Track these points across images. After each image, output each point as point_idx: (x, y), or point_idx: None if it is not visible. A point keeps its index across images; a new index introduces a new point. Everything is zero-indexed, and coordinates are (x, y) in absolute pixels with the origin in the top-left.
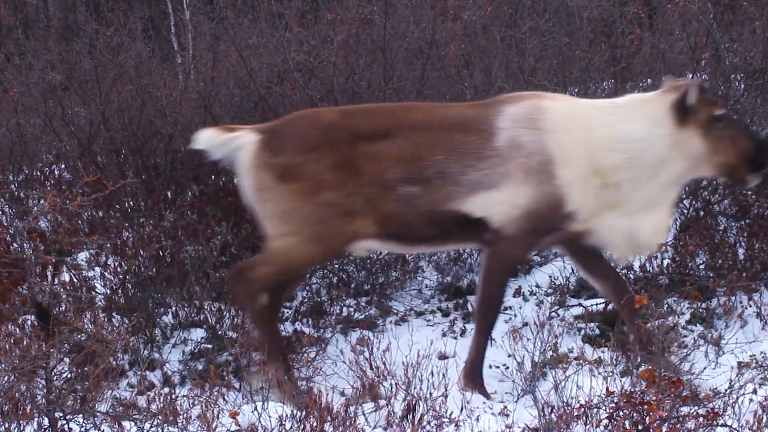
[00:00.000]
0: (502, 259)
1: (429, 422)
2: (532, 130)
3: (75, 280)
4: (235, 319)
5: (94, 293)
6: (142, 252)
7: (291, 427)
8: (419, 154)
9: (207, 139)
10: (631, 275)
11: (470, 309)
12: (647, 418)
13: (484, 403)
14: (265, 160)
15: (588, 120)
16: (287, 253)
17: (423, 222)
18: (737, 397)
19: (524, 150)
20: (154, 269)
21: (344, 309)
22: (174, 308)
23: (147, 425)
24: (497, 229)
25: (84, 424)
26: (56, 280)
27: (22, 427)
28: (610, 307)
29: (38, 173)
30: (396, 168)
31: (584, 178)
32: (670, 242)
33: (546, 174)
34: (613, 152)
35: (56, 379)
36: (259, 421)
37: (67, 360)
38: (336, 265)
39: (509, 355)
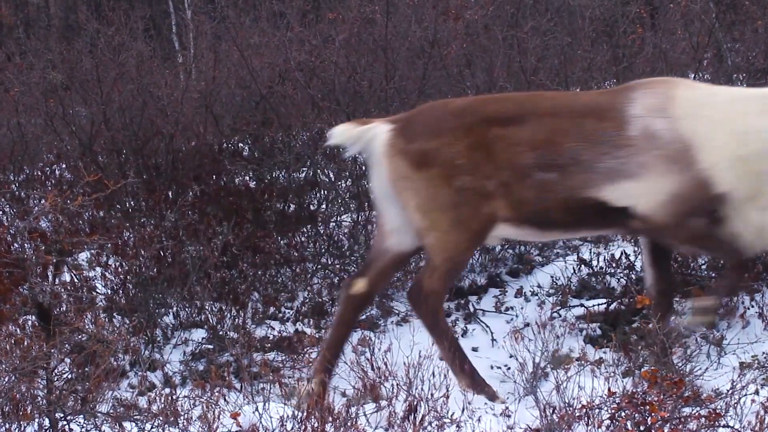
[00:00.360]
0: (687, 243)
1: (430, 423)
2: (664, 118)
3: (76, 280)
4: (236, 320)
5: (94, 293)
6: (143, 252)
7: (292, 428)
8: (552, 139)
9: (341, 134)
10: (633, 275)
11: (471, 309)
12: (649, 418)
13: (485, 403)
14: (400, 148)
15: (725, 106)
16: (440, 248)
17: (559, 208)
18: (739, 398)
19: (659, 140)
20: (155, 269)
21: None
22: (175, 308)
23: (148, 426)
24: (647, 217)
25: (85, 425)
26: (57, 281)
27: (22, 428)
28: (612, 307)
29: (39, 173)
30: (530, 153)
31: (729, 160)
32: None
33: (686, 161)
34: (752, 142)
35: (57, 380)
36: (260, 422)
37: (67, 360)
38: (337, 266)
39: (511, 356)
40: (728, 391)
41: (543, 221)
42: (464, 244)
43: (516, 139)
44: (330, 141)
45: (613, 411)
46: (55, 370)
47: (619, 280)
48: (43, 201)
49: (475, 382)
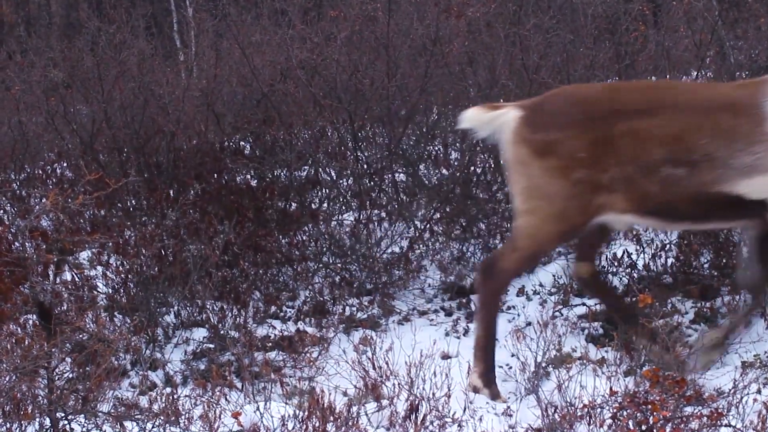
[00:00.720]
0: None
1: (432, 422)
2: None
3: (77, 279)
4: (237, 319)
5: (95, 292)
6: (144, 251)
7: (293, 427)
8: (684, 135)
9: (472, 118)
10: (635, 274)
11: (473, 308)
12: (651, 418)
13: (487, 403)
14: (525, 136)
15: None
16: (530, 232)
17: (687, 202)
18: (741, 397)
19: None
20: (156, 268)
21: (347, 308)
22: (176, 308)
23: (149, 425)
24: None
25: (85, 425)
26: (58, 280)
27: (23, 428)
28: None
29: (40, 171)
30: (659, 149)
31: None
32: (675, 241)
33: None
34: None
35: (58, 379)
36: (261, 422)
37: (68, 360)
38: (339, 265)
39: (512, 355)
40: (730, 390)
41: (668, 214)
42: (557, 235)
43: (645, 133)
44: (461, 125)
45: (614, 410)
46: (56, 370)
47: (621, 279)
48: (44, 200)
49: (487, 376)
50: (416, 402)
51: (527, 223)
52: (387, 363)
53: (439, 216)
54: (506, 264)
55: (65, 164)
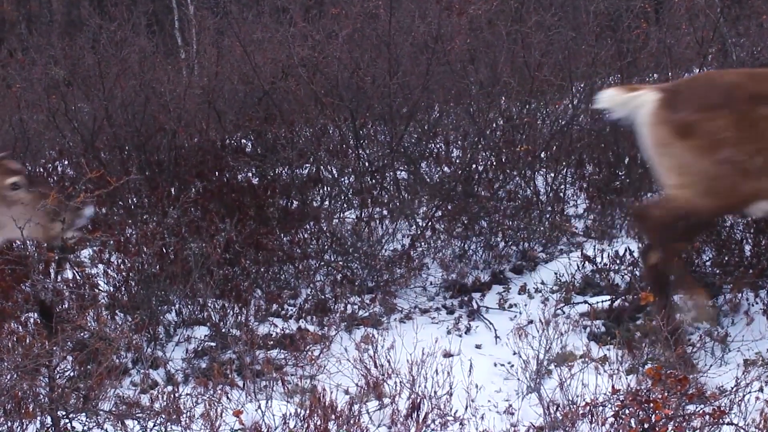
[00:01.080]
0: None
1: (433, 421)
2: None
3: (78, 277)
4: (239, 317)
5: (97, 291)
6: (145, 249)
7: (295, 426)
8: None
9: (609, 98)
10: (637, 272)
11: (475, 306)
12: (653, 416)
13: (488, 401)
14: (664, 117)
15: None
16: (681, 202)
17: None
18: (743, 395)
19: None
20: (157, 266)
21: (349, 307)
22: (177, 306)
23: (150, 424)
24: None
25: (87, 423)
26: (59, 278)
27: (24, 426)
28: (615, 304)
29: (41, 169)
30: None
31: None
32: None
33: None
34: None
35: (59, 378)
36: (263, 420)
37: (70, 358)
38: (340, 262)
39: (514, 353)
40: (732, 388)
41: None
42: (715, 209)
43: None
44: (597, 104)
45: (617, 408)
46: (58, 368)
47: (623, 276)
48: None
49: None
50: (418, 400)
51: (680, 194)
52: (389, 361)
53: (440, 214)
54: (657, 212)
55: (66, 162)
